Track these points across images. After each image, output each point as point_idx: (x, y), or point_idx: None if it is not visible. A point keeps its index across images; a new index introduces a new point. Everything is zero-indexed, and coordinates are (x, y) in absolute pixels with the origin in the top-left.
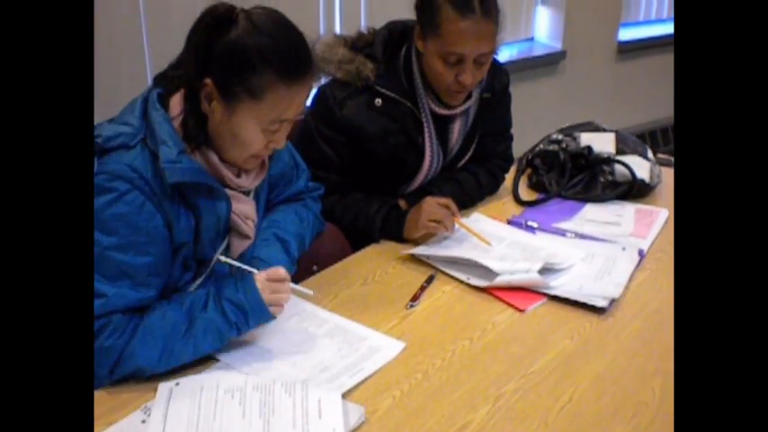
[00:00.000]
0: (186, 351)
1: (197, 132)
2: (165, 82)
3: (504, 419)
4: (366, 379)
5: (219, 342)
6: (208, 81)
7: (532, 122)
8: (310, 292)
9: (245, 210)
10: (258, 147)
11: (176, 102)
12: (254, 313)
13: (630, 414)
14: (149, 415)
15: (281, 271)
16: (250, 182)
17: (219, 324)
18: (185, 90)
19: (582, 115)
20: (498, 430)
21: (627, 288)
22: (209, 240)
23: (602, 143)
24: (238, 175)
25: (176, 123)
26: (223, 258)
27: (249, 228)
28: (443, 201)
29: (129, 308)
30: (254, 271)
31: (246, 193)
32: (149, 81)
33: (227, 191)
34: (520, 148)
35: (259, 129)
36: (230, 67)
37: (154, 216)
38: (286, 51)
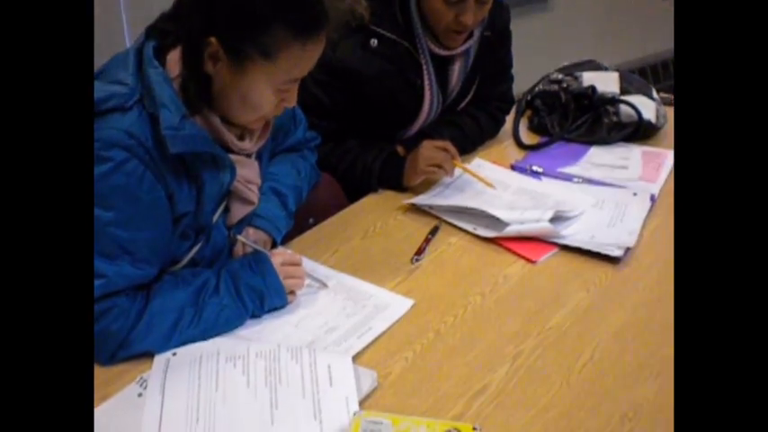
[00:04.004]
0: (194, 335)
1: (200, 96)
2: (159, 35)
3: (525, 380)
4: (375, 340)
5: (231, 327)
6: (212, 39)
7: (525, 62)
8: (326, 285)
9: (248, 174)
10: (269, 108)
11: (174, 61)
12: (272, 298)
13: (657, 370)
14: (146, 387)
15: (297, 255)
16: (253, 144)
17: (233, 310)
18: (184, 48)
19: (575, 52)
20: (520, 392)
21: (641, 235)
22: (210, 208)
23: (606, 83)
24: (241, 138)
25: (175, 85)
26: (242, 238)
27: (253, 193)
28: (441, 143)
29: (131, 287)
30: (267, 253)
31: (248, 155)
32: (125, 31)
33: (231, 156)
34: (515, 88)
35: (271, 90)
36: (238, 24)
37: (155, 187)
38: (300, 3)
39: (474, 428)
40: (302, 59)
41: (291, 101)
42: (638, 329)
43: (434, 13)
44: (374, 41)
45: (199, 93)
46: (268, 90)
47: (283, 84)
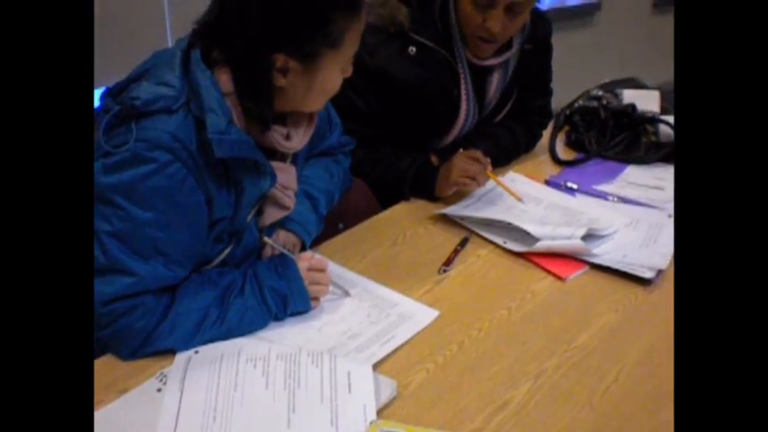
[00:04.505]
0: (217, 335)
1: (267, 112)
2: (203, 47)
3: (547, 399)
4: (397, 349)
5: (255, 329)
6: (278, 56)
7: (566, 77)
8: (349, 294)
9: (286, 180)
10: (338, 86)
11: (224, 80)
12: (296, 302)
13: None
14: (165, 383)
15: (324, 261)
16: (299, 141)
17: (257, 312)
18: (241, 71)
19: (617, 69)
20: (541, 411)
21: (674, 258)
22: (246, 213)
23: (646, 101)
24: (288, 137)
25: (229, 101)
26: (269, 241)
27: (289, 199)
28: (474, 154)
29: (161, 287)
30: (294, 257)
31: (285, 158)
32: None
33: (272, 162)
34: (555, 103)
35: (340, 72)
36: (303, 29)
37: (195, 191)
38: None
39: None
40: (359, 32)
41: (350, 70)
42: (665, 354)
43: (464, 18)
44: (412, 49)
45: (267, 109)
46: (338, 73)
47: (348, 60)
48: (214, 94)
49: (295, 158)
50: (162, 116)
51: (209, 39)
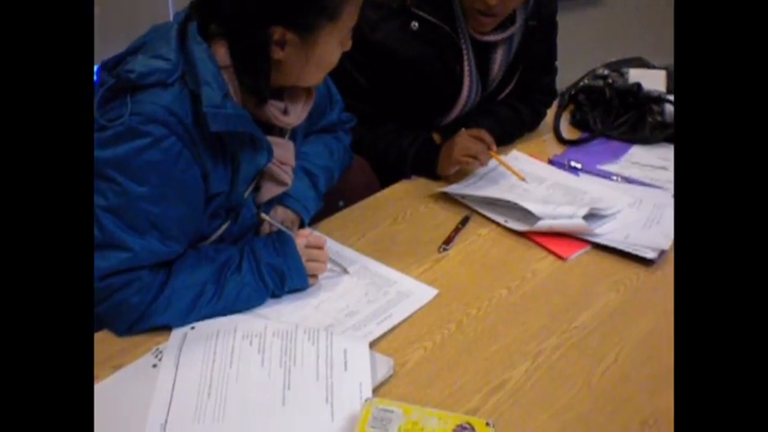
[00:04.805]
0: (214, 311)
1: (264, 86)
2: (200, 20)
3: (545, 379)
4: (395, 327)
5: (252, 306)
6: (276, 29)
7: (571, 55)
8: (348, 272)
9: (283, 156)
10: (336, 60)
11: (221, 54)
12: (293, 279)
13: None
14: (161, 359)
15: (322, 238)
16: (297, 117)
17: (254, 288)
18: (238, 45)
19: (624, 49)
20: (538, 391)
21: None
22: (243, 189)
23: (652, 81)
24: (285, 112)
25: (226, 74)
26: (266, 218)
27: (287, 175)
28: (477, 133)
29: (156, 263)
30: (292, 234)
31: (283, 133)
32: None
33: (269, 138)
34: (560, 82)
35: (339, 45)
36: (301, 2)
37: (191, 166)
38: None
39: (487, 424)
40: (358, 4)
41: (349, 43)
42: (665, 335)
43: None
44: (415, 24)
45: (264, 83)
46: (337, 47)
47: (347, 33)
48: (210, 68)
49: (294, 134)
50: (157, 90)
51: (206, 12)
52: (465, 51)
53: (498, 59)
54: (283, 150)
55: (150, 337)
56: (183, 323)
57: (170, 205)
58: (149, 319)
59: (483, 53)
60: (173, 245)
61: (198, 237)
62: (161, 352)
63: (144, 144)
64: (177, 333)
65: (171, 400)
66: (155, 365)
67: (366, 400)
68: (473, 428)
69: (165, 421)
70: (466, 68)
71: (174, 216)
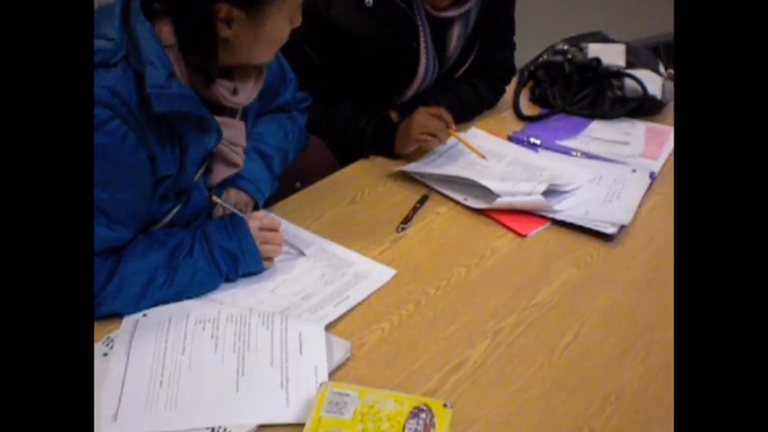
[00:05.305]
0: (166, 297)
1: (212, 65)
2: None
3: (504, 357)
4: (352, 309)
5: (205, 290)
6: (221, 6)
7: (530, 31)
8: (304, 254)
9: (233, 136)
10: (286, 37)
11: (166, 32)
12: (247, 262)
13: (643, 354)
14: (112, 348)
15: (276, 220)
16: (247, 96)
17: (207, 273)
18: (183, 22)
19: (588, 25)
20: (498, 369)
21: (637, 213)
22: (192, 171)
23: (612, 55)
24: (235, 91)
25: (171, 54)
26: (218, 200)
27: (238, 156)
28: (436, 111)
29: (105, 249)
30: (244, 216)
31: (234, 113)
32: None
33: (217, 118)
34: (520, 58)
35: (288, 21)
36: None
37: (137, 149)
38: None
39: (445, 405)
40: None
41: (299, 20)
42: (626, 311)
43: None
44: (369, 1)
45: (211, 62)
46: (286, 23)
47: (296, 9)
48: (154, 47)
49: (245, 114)
50: (99, 71)
51: None
52: (421, 28)
53: (455, 35)
54: (234, 131)
55: (101, 325)
56: (134, 310)
57: (117, 189)
58: (99, 308)
59: (439, 29)
60: (121, 230)
61: (148, 221)
62: (112, 340)
63: None
64: (128, 320)
65: (122, 390)
66: (105, 354)
67: (321, 385)
68: (430, 410)
69: (117, 411)
70: (422, 45)
71: (122, 201)
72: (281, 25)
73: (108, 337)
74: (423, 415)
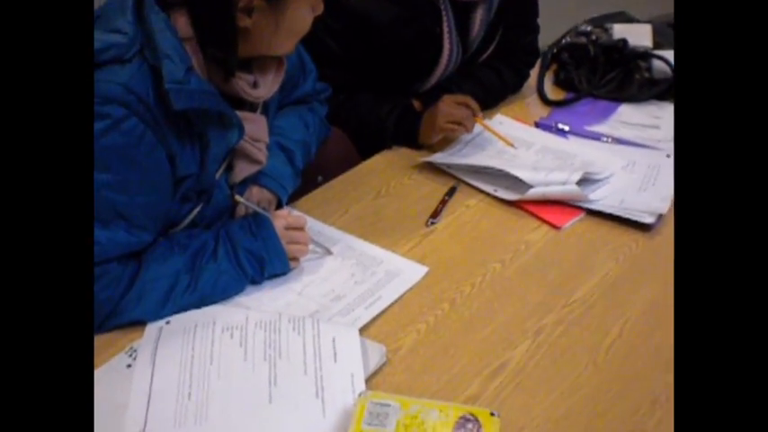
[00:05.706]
0: (190, 303)
1: (231, 58)
2: None
3: (547, 358)
4: (385, 310)
5: (230, 294)
6: None
7: (552, 12)
8: (331, 252)
9: (255, 132)
10: (308, 26)
11: (183, 23)
12: (273, 264)
13: None
14: (135, 358)
15: (302, 219)
16: (268, 89)
17: (232, 276)
18: (201, 13)
19: (606, 3)
20: (541, 372)
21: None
22: (214, 169)
23: (638, 36)
24: (255, 85)
25: (188, 46)
26: (241, 199)
27: (261, 152)
28: (462, 98)
29: (125, 254)
30: (268, 215)
31: (254, 108)
32: None
33: (239, 113)
34: (541, 40)
35: (310, 9)
36: None
37: (155, 148)
38: None
39: (492, 414)
40: None
41: (320, 7)
42: (670, 303)
43: None
44: None
45: (232, 54)
46: (308, 11)
47: None
48: (170, 39)
49: (265, 108)
50: (114, 67)
51: None
52: (444, 12)
53: (478, 20)
54: (255, 126)
55: (123, 334)
56: (157, 317)
57: (136, 192)
58: (121, 315)
59: (462, 14)
60: (141, 234)
61: (168, 223)
62: (135, 350)
63: (103, 127)
64: (152, 328)
65: (149, 404)
66: (129, 365)
67: (360, 395)
68: (477, 420)
69: (144, 427)
70: (446, 30)
71: (141, 203)
72: (302, 14)
73: (131, 347)
74: (469, 425)
